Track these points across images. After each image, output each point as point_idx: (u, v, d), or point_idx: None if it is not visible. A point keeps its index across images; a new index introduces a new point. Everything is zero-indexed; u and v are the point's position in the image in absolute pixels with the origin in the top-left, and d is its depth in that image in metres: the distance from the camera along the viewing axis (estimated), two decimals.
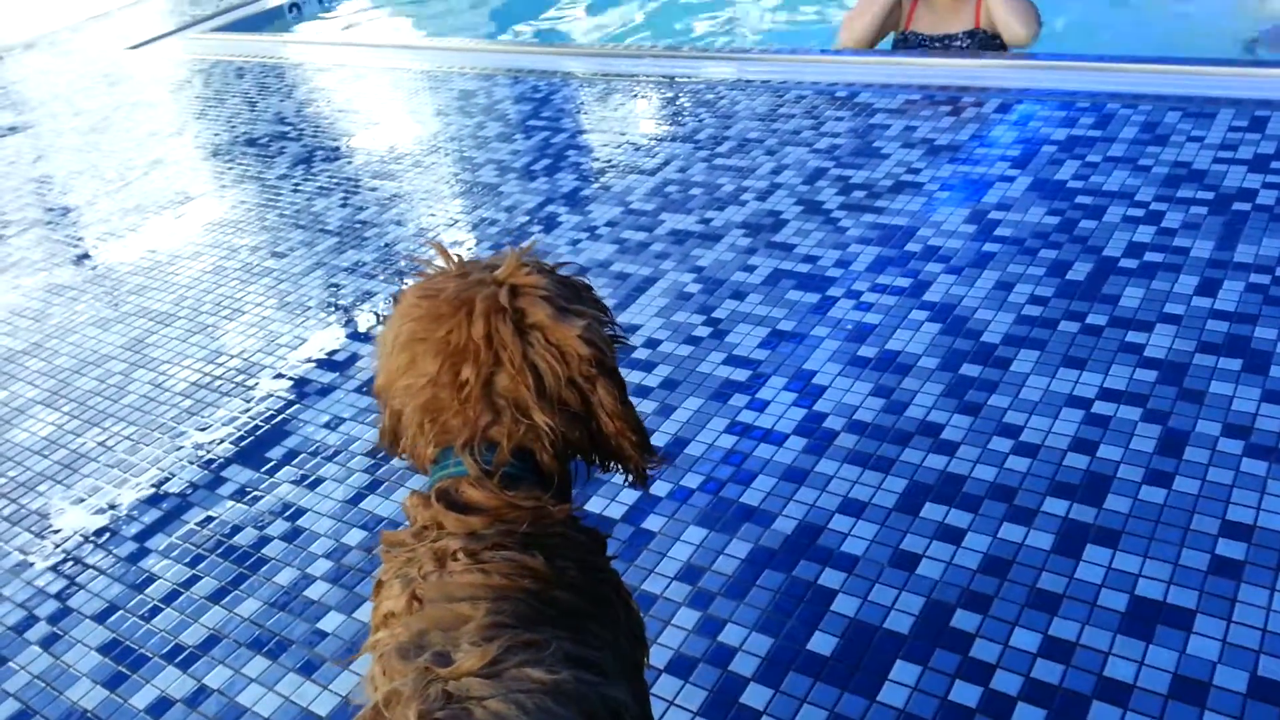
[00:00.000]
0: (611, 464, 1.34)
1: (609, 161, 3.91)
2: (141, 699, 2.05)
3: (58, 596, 2.35)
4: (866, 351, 2.60)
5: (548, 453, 1.24)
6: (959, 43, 4.33)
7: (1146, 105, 3.52)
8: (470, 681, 0.94)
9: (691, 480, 2.32)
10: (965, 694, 1.74)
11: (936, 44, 4.38)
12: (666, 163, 3.80)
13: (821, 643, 1.88)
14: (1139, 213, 2.92)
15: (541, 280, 1.28)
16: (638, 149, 3.96)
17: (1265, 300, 2.49)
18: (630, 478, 1.34)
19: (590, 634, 1.15)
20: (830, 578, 2.01)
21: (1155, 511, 1.99)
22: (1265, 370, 2.28)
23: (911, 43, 4.45)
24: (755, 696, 1.81)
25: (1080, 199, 3.05)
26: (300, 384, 2.95)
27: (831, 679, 1.81)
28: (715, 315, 2.88)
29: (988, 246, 2.91)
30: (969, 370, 2.46)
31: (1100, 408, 2.27)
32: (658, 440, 2.45)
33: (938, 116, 3.73)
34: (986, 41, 4.31)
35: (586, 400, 1.25)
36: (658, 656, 1.91)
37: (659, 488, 2.31)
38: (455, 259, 1.32)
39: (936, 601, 1.91)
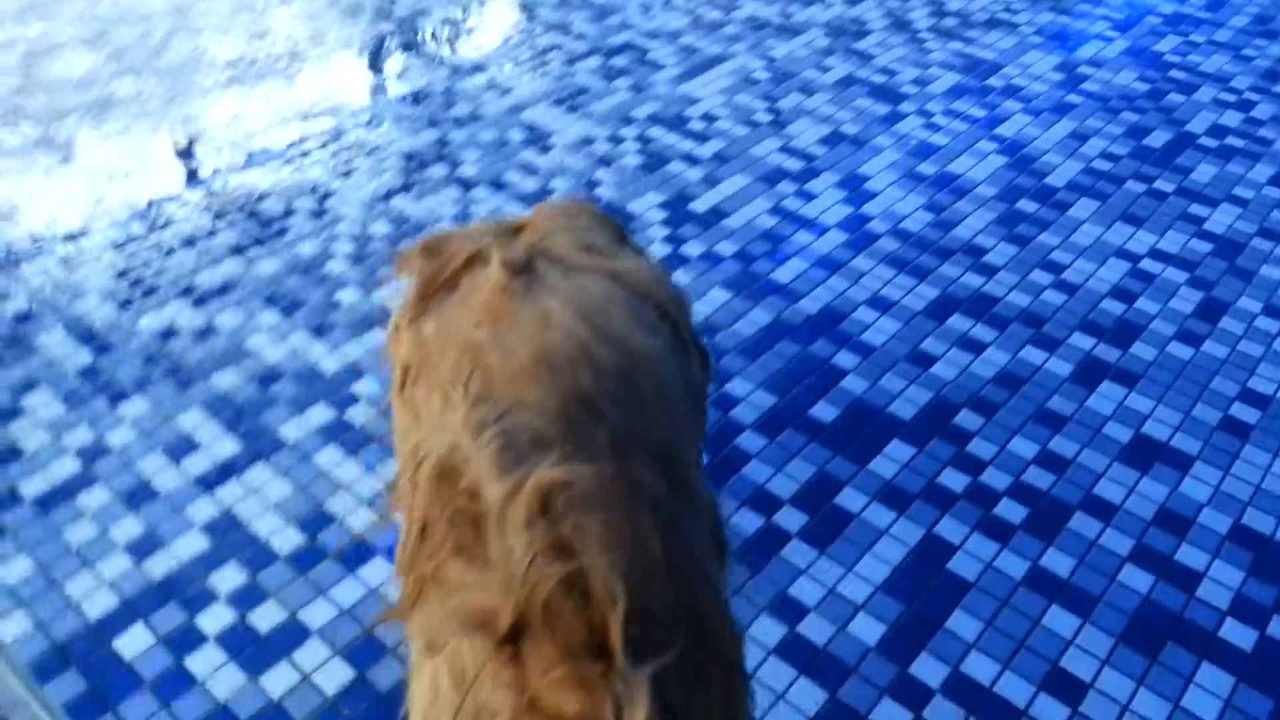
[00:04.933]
0: None
1: None
2: (150, 324, 2.07)
3: (76, 219, 2.34)
4: (926, 169, 2.54)
5: None
6: None
7: None
8: (559, 241, 0.93)
9: (725, 248, 2.30)
10: (954, 480, 1.77)
11: None
12: None
13: (824, 411, 1.90)
14: (1231, 98, 2.83)
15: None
16: None
17: None
18: None
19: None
20: (845, 359, 2.02)
21: (1179, 366, 1.99)
22: None
23: None
24: (750, 441, 1.84)
25: (1174, 73, 2.94)
26: (344, 80, 2.87)
27: (827, 442, 1.84)
28: (778, 105, 2.79)
29: (1070, 97, 2.82)
30: (1025, 206, 2.42)
31: (1147, 265, 2.24)
32: (697, 206, 2.42)
33: None
34: None
35: None
36: None
37: (691, 247, 2.29)
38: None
39: (944, 399, 1.93)
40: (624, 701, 0.70)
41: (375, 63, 2.96)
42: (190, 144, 2.60)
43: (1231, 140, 2.65)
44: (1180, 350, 2.03)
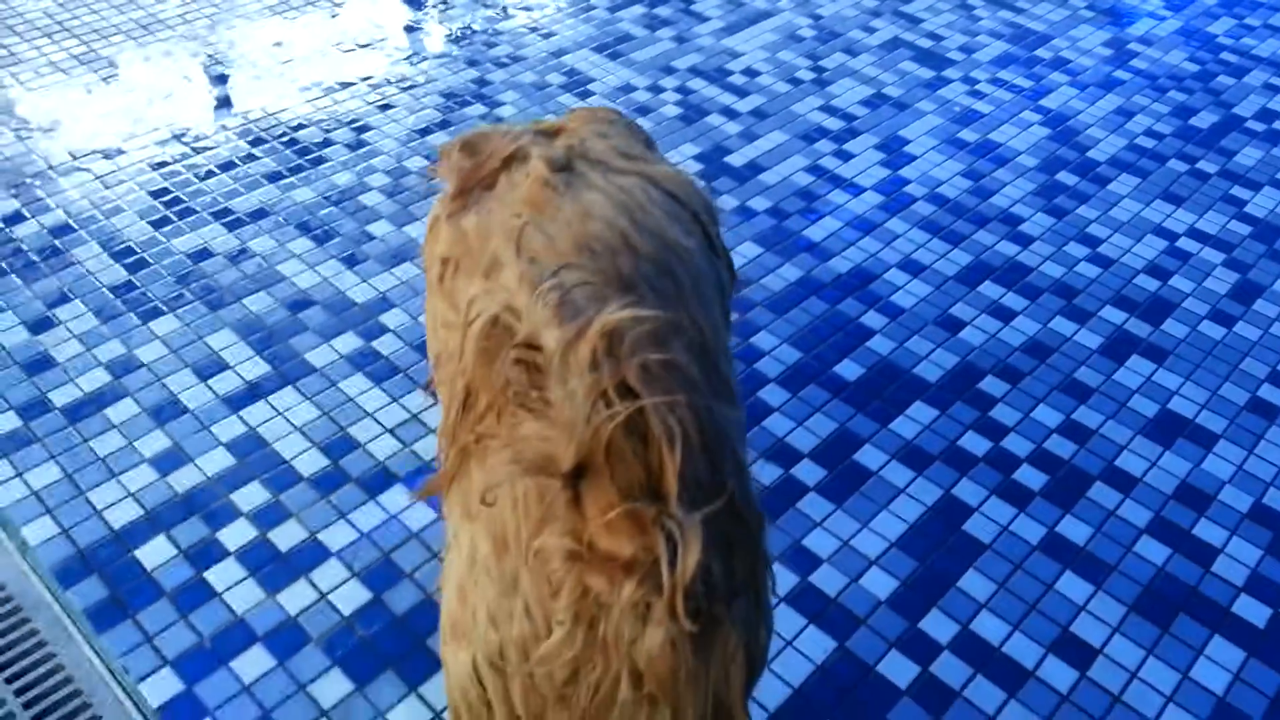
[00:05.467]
0: None
1: None
2: (184, 244, 2.08)
3: (115, 137, 2.35)
4: (967, 135, 2.52)
5: None
6: None
7: None
8: (598, 145, 0.94)
9: (759, 203, 2.29)
10: (975, 444, 1.77)
11: None
12: None
13: (848, 369, 1.90)
14: None
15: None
16: None
17: None
18: None
19: None
20: (873, 319, 2.01)
21: (1210, 345, 1.98)
22: None
23: None
24: (773, 395, 1.84)
25: (1225, 55, 2.89)
26: (387, 14, 2.86)
27: (850, 400, 1.84)
28: (822, 64, 2.77)
29: (1118, 73, 2.78)
30: (1065, 178, 2.39)
31: (1185, 244, 2.22)
32: (733, 160, 2.41)
33: None
34: None
35: None
36: None
37: (725, 201, 2.29)
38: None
39: (971, 364, 1.92)
40: (679, 543, 0.72)
41: (417, 2, 2.95)
42: (231, 70, 2.60)
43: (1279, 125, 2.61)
44: (1212, 330, 2.01)
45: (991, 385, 1.88)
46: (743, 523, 0.87)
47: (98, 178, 2.23)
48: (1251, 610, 1.53)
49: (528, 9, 2.93)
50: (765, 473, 1.71)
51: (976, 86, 2.69)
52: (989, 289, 2.09)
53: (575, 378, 0.72)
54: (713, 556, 0.80)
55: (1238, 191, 2.38)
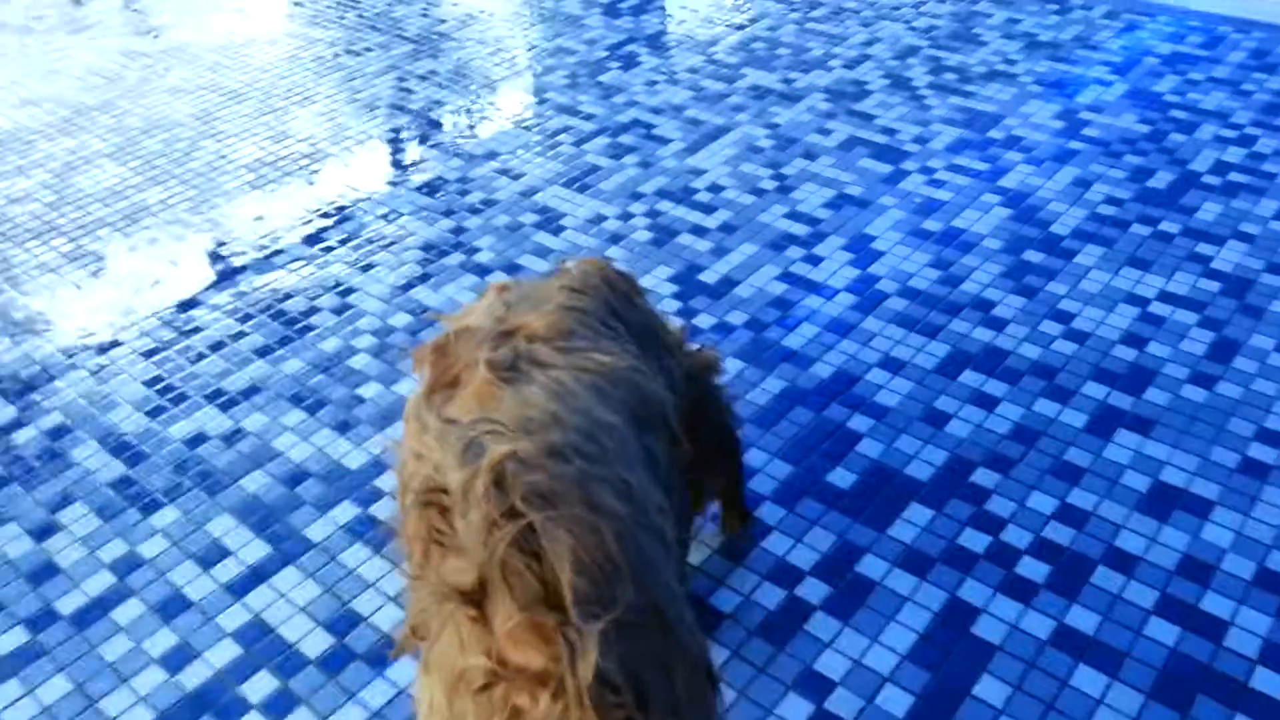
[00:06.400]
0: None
1: (697, 10, 3.83)
2: (179, 430, 2.13)
3: (107, 331, 2.42)
4: (931, 225, 2.58)
5: None
6: None
7: (1260, 33, 3.38)
8: (540, 349, 0.99)
9: (736, 318, 2.33)
10: (974, 540, 1.77)
11: None
12: (757, 20, 3.71)
13: (840, 478, 1.92)
14: (1232, 134, 2.84)
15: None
16: (728, 2, 3.86)
17: None
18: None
19: (654, 351, 1.22)
20: (859, 422, 2.03)
21: (1193, 409, 1.99)
22: None
23: None
24: (768, 513, 1.86)
25: (1174, 113, 2.96)
26: (362, 176, 2.97)
27: (845, 510, 1.85)
28: (783, 171, 2.85)
29: (1072, 144, 2.85)
30: (1031, 256, 2.44)
31: (1157, 308, 2.25)
32: (706, 277, 2.46)
33: (1044, 14, 3.61)
34: None
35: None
36: None
37: (703, 319, 2.33)
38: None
39: (960, 457, 1.93)
40: (576, 652, 0.77)
41: (392, 157, 3.06)
42: (216, 249, 2.69)
43: (1235, 176, 2.66)
44: (1194, 393, 2.02)
45: (983, 477, 1.89)
46: (678, 643, 0.92)
47: (92, 374, 2.30)
48: (1269, 683, 1.52)
49: (495, 154, 3.03)
50: (769, 596, 1.71)
51: (935, 175, 2.76)
52: (969, 378, 2.11)
53: (473, 510, 0.80)
54: (648, 677, 0.85)
55: (1203, 248, 2.42)
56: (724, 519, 1.77)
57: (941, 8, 3.70)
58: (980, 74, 3.25)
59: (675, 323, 1.37)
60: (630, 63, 3.49)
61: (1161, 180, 2.67)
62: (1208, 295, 2.27)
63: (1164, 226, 2.50)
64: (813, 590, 1.72)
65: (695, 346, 1.35)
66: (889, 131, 2.98)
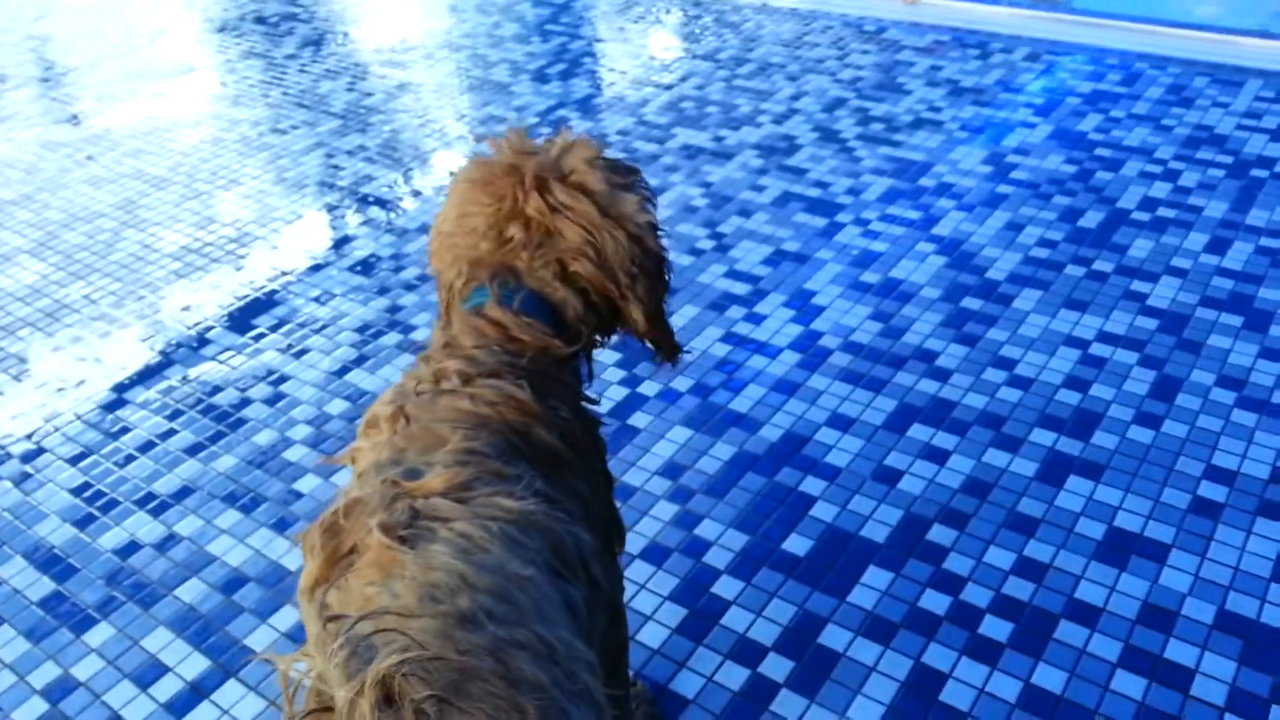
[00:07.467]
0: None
1: (625, 73, 3.85)
2: (110, 540, 2.04)
3: (30, 437, 2.33)
4: (869, 277, 2.58)
5: (573, 308, 1.25)
6: None
7: (1175, 68, 3.47)
8: (438, 503, 0.95)
9: (681, 384, 2.30)
10: (935, 602, 1.74)
11: None
12: (684, 79, 3.73)
13: (796, 544, 1.88)
14: (1156, 169, 2.90)
15: (596, 154, 1.28)
16: (656, 63, 3.89)
17: (1273, 263, 2.47)
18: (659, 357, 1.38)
19: (564, 478, 1.15)
20: (811, 485, 2.01)
21: (1141, 450, 1.99)
22: (1265, 329, 2.27)
23: None
24: (726, 588, 1.81)
25: (1099, 151, 3.02)
26: (292, 257, 2.91)
27: (803, 578, 1.81)
28: (720, 230, 2.84)
29: (1001, 188, 2.88)
30: (970, 303, 2.44)
31: (1097, 349, 2.26)
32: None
33: (965, 59, 3.68)
34: None
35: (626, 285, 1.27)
36: (634, 543, 1.90)
37: (647, 387, 2.30)
38: (509, 136, 1.31)
39: (915, 515, 1.91)
40: None
41: (323, 236, 3.00)
42: (142, 344, 2.61)
43: (1163, 211, 2.71)
44: (1140, 434, 2.03)
45: (939, 534, 1.87)
46: None
47: (16, 484, 2.20)
48: None
49: (429, 228, 2.99)
50: (733, 677, 1.66)
51: (870, 226, 2.77)
52: (918, 431, 2.10)
53: None
54: None
55: (1137, 286, 2.44)
56: (658, 355, 1.46)
57: (865, 58, 3.76)
58: (907, 123, 3.28)
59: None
60: (561, 128, 3.48)
61: (1092, 219, 2.71)
62: (1146, 333, 2.29)
63: (1098, 266, 2.53)
64: (776, 667, 1.67)
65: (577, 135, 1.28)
66: (822, 185, 2.99)
